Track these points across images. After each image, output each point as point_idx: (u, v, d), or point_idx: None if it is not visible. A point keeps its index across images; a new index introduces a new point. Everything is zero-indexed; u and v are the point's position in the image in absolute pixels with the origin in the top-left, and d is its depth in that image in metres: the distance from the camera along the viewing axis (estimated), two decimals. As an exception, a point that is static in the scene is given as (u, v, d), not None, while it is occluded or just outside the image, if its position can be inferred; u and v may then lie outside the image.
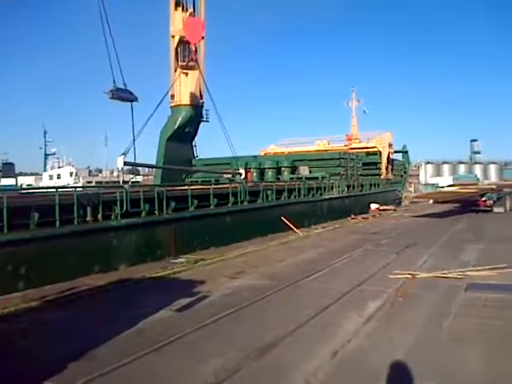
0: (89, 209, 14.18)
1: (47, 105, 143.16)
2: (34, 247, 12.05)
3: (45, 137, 66.07)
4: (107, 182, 41.91)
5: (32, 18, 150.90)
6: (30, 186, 44.28)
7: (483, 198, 32.73)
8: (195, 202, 18.75)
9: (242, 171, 29.70)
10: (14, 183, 56.30)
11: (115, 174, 52.39)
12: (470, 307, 9.09)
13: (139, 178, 63.12)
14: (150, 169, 48.64)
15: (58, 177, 53.01)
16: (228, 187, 21.91)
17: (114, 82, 17.22)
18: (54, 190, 14.43)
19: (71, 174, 53.22)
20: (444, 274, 12.05)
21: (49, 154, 65.53)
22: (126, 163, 21.71)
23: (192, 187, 20.16)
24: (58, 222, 13.00)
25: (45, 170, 60.51)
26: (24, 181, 56.11)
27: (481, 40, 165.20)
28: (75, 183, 48.31)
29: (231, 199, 21.07)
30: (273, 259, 15.41)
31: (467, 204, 33.60)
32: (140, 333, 7.90)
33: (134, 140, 23.20)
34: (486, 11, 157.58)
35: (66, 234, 13.11)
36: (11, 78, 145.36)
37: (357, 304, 9.38)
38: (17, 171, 67.73)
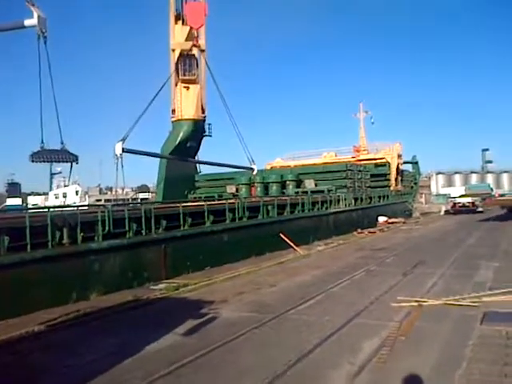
0: (65, 230, 13.04)
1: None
2: (-2, 276, 10.88)
3: (49, 156, 65.09)
4: (115, 200, 41.07)
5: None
6: (34, 206, 43.48)
7: None
8: (189, 220, 17.56)
9: (255, 167, 28.83)
10: (20, 203, 55.82)
11: (125, 191, 52.04)
12: (488, 347, 7.48)
13: (148, 195, 62.30)
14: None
15: (64, 196, 52.27)
16: (225, 203, 20.71)
17: (43, 141, 14.52)
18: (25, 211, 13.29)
19: (77, 192, 52.52)
20: (456, 300, 10.58)
21: (54, 173, 64.56)
22: (124, 150, 20.42)
23: (184, 204, 18.92)
24: (29, 246, 11.90)
25: (50, 189, 59.76)
26: (32, 201, 55.53)
27: (490, 50, 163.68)
28: (82, 202, 47.46)
29: (229, 216, 19.83)
30: (263, 283, 13.94)
31: None
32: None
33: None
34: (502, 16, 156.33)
35: (38, 259, 11.98)
36: (18, 96, 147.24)
37: (350, 345, 7.84)
38: (27, 191, 67.16)
